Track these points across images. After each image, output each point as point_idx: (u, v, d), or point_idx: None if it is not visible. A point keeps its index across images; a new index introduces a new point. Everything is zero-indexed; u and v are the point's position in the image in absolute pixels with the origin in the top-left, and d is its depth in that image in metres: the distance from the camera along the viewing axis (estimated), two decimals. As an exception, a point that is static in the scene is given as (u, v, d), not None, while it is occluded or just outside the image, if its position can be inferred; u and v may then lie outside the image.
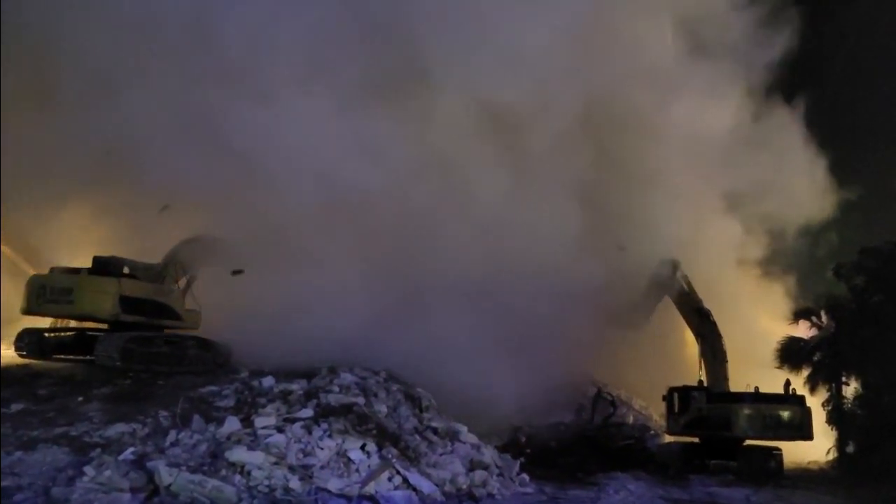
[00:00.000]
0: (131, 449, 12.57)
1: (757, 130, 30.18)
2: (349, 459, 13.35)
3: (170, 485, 11.64)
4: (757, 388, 20.48)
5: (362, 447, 13.66)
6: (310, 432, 13.69)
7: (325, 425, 13.95)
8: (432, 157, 20.69)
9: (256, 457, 12.66)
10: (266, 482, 12.31)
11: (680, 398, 21.62)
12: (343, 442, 13.62)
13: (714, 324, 21.61)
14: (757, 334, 24.92)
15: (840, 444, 20.68)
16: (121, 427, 13.35)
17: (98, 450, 12.45)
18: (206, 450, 12.86)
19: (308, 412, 14.41)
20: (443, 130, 20.91)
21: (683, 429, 21.38)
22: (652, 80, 25.09)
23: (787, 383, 20.82)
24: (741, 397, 20.37)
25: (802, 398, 20.67)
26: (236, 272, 17.14)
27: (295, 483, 12.44)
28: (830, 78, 32.88)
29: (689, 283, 22.30)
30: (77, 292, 17.06)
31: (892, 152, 31.29)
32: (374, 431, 14.32)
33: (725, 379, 21.09)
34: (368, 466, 13.29)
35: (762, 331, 25.39)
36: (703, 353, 21.73)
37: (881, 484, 17.23)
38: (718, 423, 20.25)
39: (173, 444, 12.98)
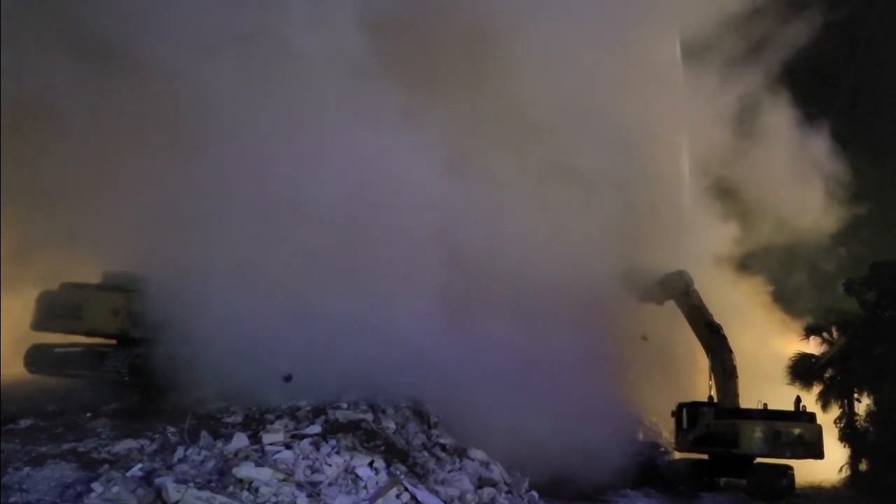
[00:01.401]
0: (139, 465, 12.51)
1: (767, 140, 30.20)
2: (357, 476, 13.24)
3: (177, 501, 11.54)
4: (765, 404, 20.30)
5: (370, 464, 13.55)
6: (318, 449, 13.60)
7: (333, 442, 13.86)
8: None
9: (264, 473, 12.58)
10: (274, 499, 12.20)
11: (689, 414, 21.46)
12: (351, 458, 13.52)
13: (724, 338, 21.47)
14: (767, 350, 24.78)
15: (853, 461, 20.46)
16: (129, 443, 13.32)
17: (106, 466, 12.41)
18: (214, 466, 12.79)
19: (316, 428, 14.33)
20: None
21: (692, 445, 21.21)
22: (663, 94, 25.11)
23: (798, 400, 20.62)
24: (750, 413, 20.17)
25: (813, 415, 20.46)
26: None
27: (303, 500, 12.32)
28: (844, 87, 32.79)
29: (699, 297, 22.20)
30: (86, 308, 17.11)
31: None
32: (383, 448, 14.23)
33: (735, 394, 20.91)
34: (377, 483, 13.18)
35: (773, 346, 25.25)
36: (713, 368, 21.57)
37: (896, 503, 17.04)
38: (727, 440, 20.06)
39: (181, 461, 12.93)
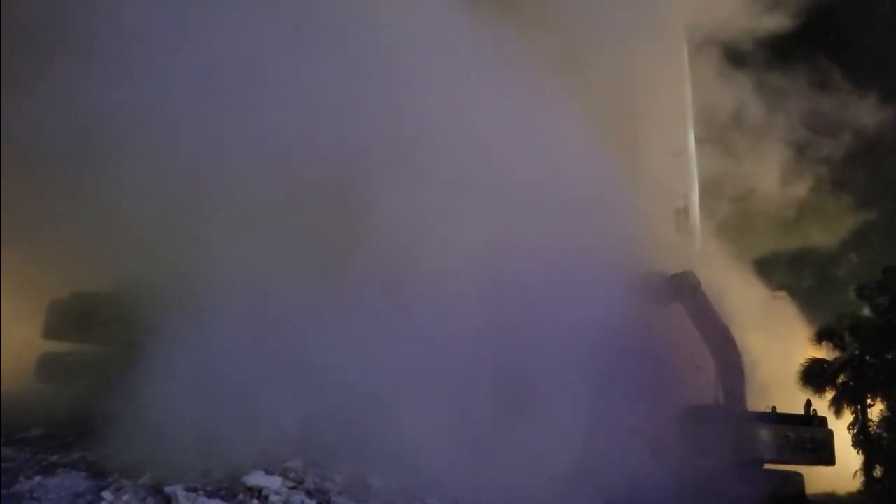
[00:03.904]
0: (149, 473, 12.54)
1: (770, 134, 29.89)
2: (367, 484, 13.25)
3: (188, 510, 11.62)
4: (774, 407, 19.98)
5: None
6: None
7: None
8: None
9: (274, 482, 12.60)
10: (284, 507, 12.23)
11: (694, 418, 21.05)
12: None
13: (732, 340, 21.14)
14: (778, 354, 24.51)
15: (867, 467, 20.21)
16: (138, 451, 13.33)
17: (116, 474, 12.44)
18: (224, 474, 12.79)
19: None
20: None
21: (698, 450, 20.79)
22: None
23: (808, 404, 20.29)
24: (758, 417, 19.80)
25: (824, 419, 20.12)
26: None
27: (312, 509, 12.37)
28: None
29: (706, 298, 21.91)
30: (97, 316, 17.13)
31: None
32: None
33: (743, 398, 20.49)
34: (387, 491, 13.16)
35: (783, 350, 24.99)
36: (720, 371, 21.20)
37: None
38: (733, 445, 19.57)
39: (191, 469, 12.92)
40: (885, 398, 20.06)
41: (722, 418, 19.85)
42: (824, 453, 19.38)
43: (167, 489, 11.98)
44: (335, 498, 12.72)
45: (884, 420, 19.98)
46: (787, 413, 19.90)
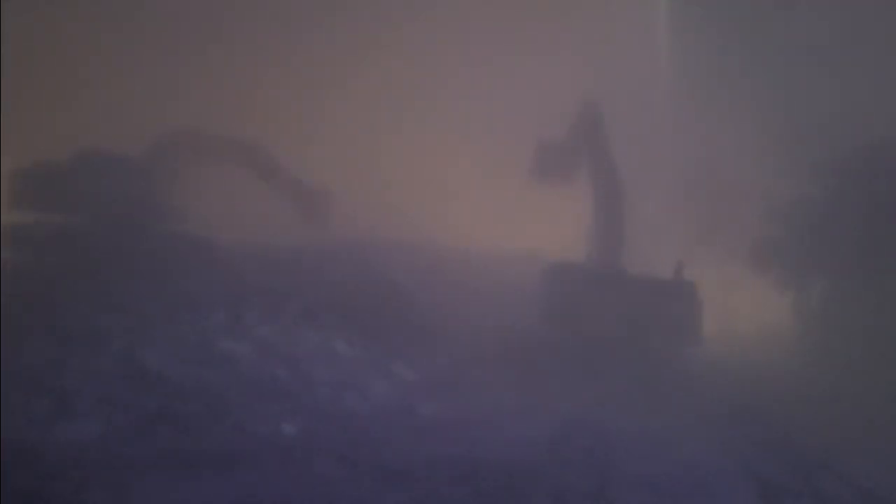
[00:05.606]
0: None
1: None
2: (335, 351, 13.58)
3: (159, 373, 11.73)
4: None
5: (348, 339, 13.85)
6: (297, 324, 13.84)
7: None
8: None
9: (244, 348, 12.79)
10: (254, 373, 12.45)
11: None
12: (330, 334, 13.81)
13: (620, 184, 17.68)
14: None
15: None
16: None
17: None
18: (195, 341, 12.90)
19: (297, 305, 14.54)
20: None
21: None
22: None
23: (679, 266, 16.62)
24: (613, 279, 16.93)
25: (691, 285, 16.05)
26: None
27: (282, 374, 12.61)
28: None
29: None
30: None
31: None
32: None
33: (617, 254, 17.53)
34: (356, 358, 13.47)
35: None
36: (599, 220, 17.91)
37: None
38: None
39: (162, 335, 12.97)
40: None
41: (581, 278, 16.29)
42: (683, 330, 14.82)
43: (138, 354, 12.06)
44: (304, 364, 12.99)
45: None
46: (656, 277, 15.86)
